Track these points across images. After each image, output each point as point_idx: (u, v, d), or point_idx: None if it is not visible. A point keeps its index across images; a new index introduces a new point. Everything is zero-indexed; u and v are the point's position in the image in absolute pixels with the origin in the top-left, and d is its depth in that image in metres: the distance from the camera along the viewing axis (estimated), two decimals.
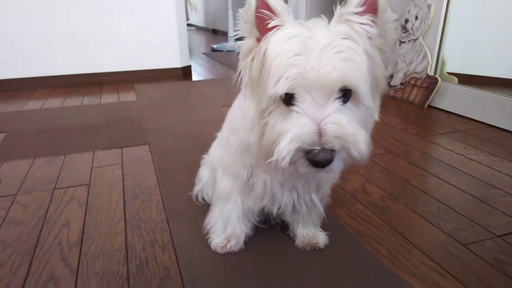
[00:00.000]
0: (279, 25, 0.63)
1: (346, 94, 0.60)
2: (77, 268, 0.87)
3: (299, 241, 0.93)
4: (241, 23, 0.66)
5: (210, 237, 0.93)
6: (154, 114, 2.07)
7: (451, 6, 1.98)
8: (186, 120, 1.94)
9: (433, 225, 1.02)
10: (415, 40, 2.16)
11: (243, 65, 0.68)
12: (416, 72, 2.15)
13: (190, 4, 9.00)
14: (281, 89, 0.58)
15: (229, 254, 0.91)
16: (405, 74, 2.24)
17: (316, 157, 0.58)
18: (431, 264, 0.88)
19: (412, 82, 2.18)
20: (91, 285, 0.82)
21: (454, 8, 1.98)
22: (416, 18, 2.14)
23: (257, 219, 0.95)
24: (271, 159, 0.61)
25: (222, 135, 0.91)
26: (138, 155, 1.51)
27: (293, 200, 0.85)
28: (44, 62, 2.79)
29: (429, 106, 2.10)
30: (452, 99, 1.99)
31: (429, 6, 2.05)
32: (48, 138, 1.72)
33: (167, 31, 3.02)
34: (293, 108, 0.59)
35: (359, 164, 0.61)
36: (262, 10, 0.63)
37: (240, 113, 0.78)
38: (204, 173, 1.08)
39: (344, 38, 0.59)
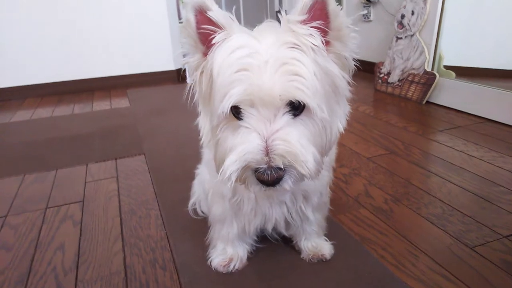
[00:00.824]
0: (224, 38, 0.59)
1: (297, 107, 0.57)
2: None
3: (304, 254, 0.90)
4: (182, 39, 0.64)
5: (210, 257, 0.90)
6: (149, 120, 2.03)
7: (447, 0, 1.94)
8: (183, 126, 1.90)
9: (438, 228, 1.00)
10: (411, 35, 2.13)
11: (192, 79, 0.66)
12: (413, 68, 2.13)
13: (182, 2, 8.92)
14: (226, 106, 0.56)
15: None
16: (402, 70, 2.21)
17: (262, 176, 0.56)
18: (439, 269, 0.85)
19: (410, 79, 2.15)
20: None
21: (450, 1, 1.95)
22: (413, 13, 2.11)
23: (256, 239, 0.92)
24: (218, 178, 0.59)
25: (204, 154, 0.88)
26: (133, 167, 1.47)
27: (284, 215, 0.82)
28: (32, 69, 2.73)
29: (427, 102, 2.08)
30: (450, 94, 1.97)
31: (425, 1, 2.02)
32: (38, 152, 1.68)
33: (159, 32, 2.96)
34: (241, 122, 0.58)
35: (309, 179, 0.59)
36: (204, 26, 0.60)
37: None
38: (197, 187, 1.05)
39: (290, 48, 0.57)
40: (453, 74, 2.02)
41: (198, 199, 1.06)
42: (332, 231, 0.95)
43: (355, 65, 0.65)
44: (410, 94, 2.15)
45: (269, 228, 0.85)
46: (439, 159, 1.40)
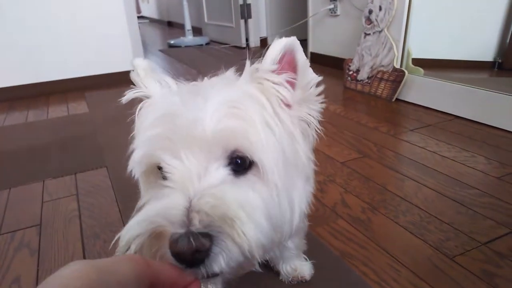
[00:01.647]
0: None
1: (241, 163, 0.44)
2: None
3: (284, 277, 0.85)
4: None
5: None
6: (110, 128, 1.91)
7: None
8: None
9: (417, 237, 0.98)
10: (379, 31, 2.11)
11: None
12: (382, 65, 2.12)
13: None
14: (136, 162, 0.45)
15: None
16: (371, 67, 2.20)
17: (175, 246, 0.37)
18: (421, 284, 0.83)
19: (379, 76, 2.14)
20: None
21: None
22: (380, 8, 2.09)
23: None
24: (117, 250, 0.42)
25: None
26: (95, 182, 1.36)
27: None
28: None
29: (397, 99, 2.08)
30: (419, 91, 1.98)
31: None
32: None
33: (116, 29, 2.78)
34: (164, 182, 0.43)
35: (251, 258, 0.41)
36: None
37: None
38: None
39: (244, 96, 0.46)
40: (422, 70, 2.03)
41: None
42: (311, 247, 0.90)
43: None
44: (380, 92, 2.15)
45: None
46: (412, 161, 1.39)
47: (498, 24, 2.28)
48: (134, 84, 0.57)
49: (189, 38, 4.70)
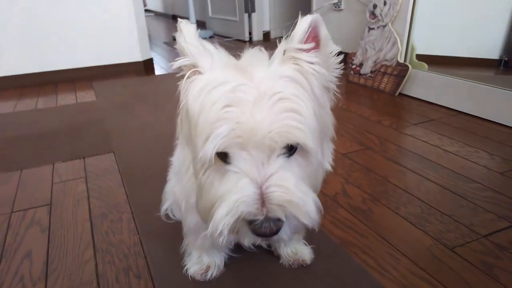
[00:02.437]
0: (197, 72, 0.55)
1: (291, 148, 0.52)
2: None
3: (284, 260, 0.88)
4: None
5: (186, 265, 0.86)
6: (117, 115, 1.94)
7: None
8: (153, 120, 1.83)
9: (418, 228, 1.00)
10: (384, 26, 2.13)
11: (179, 117, 0.61)
12: (386, 60, 2.13)
13: None
14: (211, 150, 0.48)
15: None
16: (375, 62, 2.21)
17: (259, 230, 0.50)
18: (420, 273, 0.85)
19: (382, 70, 2.16)
20: None
21: None
22: (385, 3, 2.10)
23: (231, 248, 0.88)
24: (207, 232, 0.53)
25: (174, 163, 0.82)
26: (103, 166, 1.40)
27: None
28: None
29: (400, 94, 2.09)
30: (423, 86, 1.99)
31: None
32: (1, 151, 1.57)
33: (124, 21, 2.81)
34: (230, 167, 0.51)
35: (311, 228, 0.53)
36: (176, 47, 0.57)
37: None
38: (168, 194, 0.99)
39: (287, 82, 0.51)
40: (426, 65, 2.04)
41: (170, 206, 1.01)
42: (310, 234, 0.92)
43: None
44: (383, 86, 2.16)
45: (246, 243, 0.81)
46: (415, 155, 1.41)
47: (504, 22, 2.28)
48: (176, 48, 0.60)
49: None
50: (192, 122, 0.53)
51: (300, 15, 0.54)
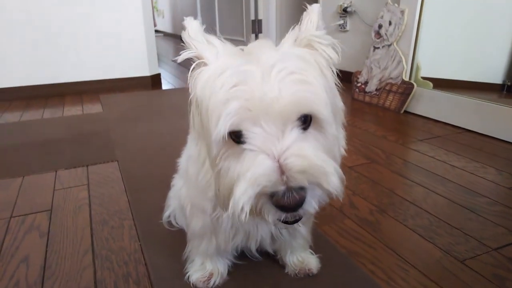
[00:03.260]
0: (203, 64, 0.55)
1: (305, 120, 0.50)
2: None
3: (290, 269, 0.85)
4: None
5: (188, 272, 0.83)
6: (123, 127, 1.94)
7: (424, 11, 1.97)
8: (157, 132, 1.83)
9: (427, 240, 0.97)
10: (389, 45, 2.15)
11: (190, 110, 0.60)
12: (391, 78, 2.14)
13: (157, 10, 8.83)
14: (223, 129, 0.48)
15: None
16: (380, 80, 2.22)
17: (282, 201, 0.47)
18: (430, 285, 0.82)
19: (387, 88, 2.16)
20: None
21: (427, 13, 1.98)
22: (390, 23, 2.12)
23: (235, 254, 0.85)
24: (229, 211, 0.50)
25: (182, 165, 0.81)
26: (106, 174, 1.38)
27: (271, 232, 0.75)
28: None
29: (405, 111, 2.09)
30: (428, 104, 1.99)
31: (402, 12, 2.04)
32: (3, 157, 1.56)
33: (134, 37, 2.87)
34: (245, 146, 0.49)
35: (335, 197, 0.51)
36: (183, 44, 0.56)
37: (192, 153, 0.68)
38: (172, 199, 0.98)
39: (295, 59, 0.51)
40: (431, 84, 2.05)
41: (173, 212, 0.99)
42: (317, 244, 0.90)
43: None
44: (388, 104, 2.16)
45: (253, 247, 0.78)
46: (421, 169, 1.39)
47: (507, 47, 2.30)
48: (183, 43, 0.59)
49: None
50: (202, 110, 0.53)
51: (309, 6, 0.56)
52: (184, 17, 0.60)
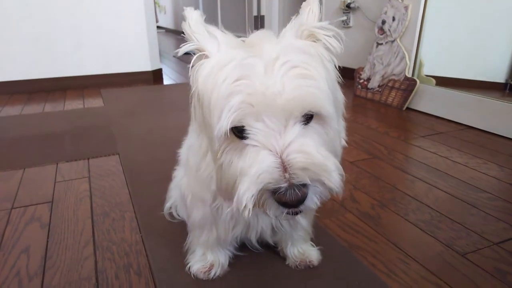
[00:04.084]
0: (205, 56, 0.54)
1: (307, 114, 0.50)
2: None
3: (290, 261, 0.85)
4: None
5: (189, 263, 0.83)
6: (124, 121, 1.94)
7: (428, 7, 1.96)
8: (159, 127, 1.83)
9: (428, 234, 0.97)
10: (392, 41, 2.14)
11: (192, 102, 0.60)
12: (394, 74, 2.13)
13: (159, 5, 8.81)
14: (225, 124, 0.48)
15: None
16: (382, 76, 2.21)
17: (284, 197, 0.47)
18: (431, 277, 0.82)
19: (390, 85, 2.16)
20: None
21: (431, 9, 1.97)
22: (393, 19, 2.12)
23: (236, 245, 0.85)
24: (232, 207, 0.51)
25: (182, 156, 0.81)
26: (107, 167, 1.38)
27: (271, 223, 0.75)
28: (0, 66, 2.58)
29: (407, 108, 2.08)
30: (431, 101, 1.98)
31: (406, 7, 2.03)
32: (5, 150, 1.56)
33: (136, 33, 2.87)
34: (247, 141, 0.50)
35: (335, 194, 0.51)
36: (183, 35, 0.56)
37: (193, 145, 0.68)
38: (173, 191, 0.98)
39: (298, 52, 0.51)
40: (434, 81, 2.04)
41: (174, 203, 0.99)
42: (318, 237, 0.90)
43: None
44: (391, 100, 2.15)
45: (253, 238, 0.78)
46: (423, 165, 1.39)
47: (511, 46, 2.29)
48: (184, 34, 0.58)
49: None
50: (204, 104, 0.52)
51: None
52: (184, 7, 0.59)
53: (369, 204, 1.12)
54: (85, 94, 2.61)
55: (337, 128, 0.54)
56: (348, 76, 2.65)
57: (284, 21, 4.14)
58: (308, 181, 0.47)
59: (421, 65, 2.06)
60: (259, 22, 4.02)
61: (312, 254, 0.85)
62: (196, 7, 0.64)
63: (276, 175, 0.47)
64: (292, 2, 3.99)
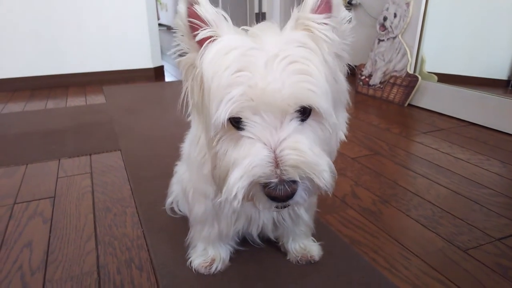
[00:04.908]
0: (213, 37, 0.53)
1: (304, 111, 0.51)
2: None
3: (292, 256, 0.85)
4: (178, 35, 0.57)
5: (190, 257, 0.83)
6: (126, 117, 1.94)
7: (430, 4, 1.96)
8: (160, 123, 1.83)
9: (429, 230, 0.97)
10: (394, 38, 2.13)
11: (186, 86, 0.59)
12: (395, 71, 2.13)
13: (160, 3, 8.80)
14: (223, 114, 0.49)
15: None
16: (384, 72, 2.21)
17: (274, 192, 0.49)
18: (432, 273, 0.82)
19: (391, 81, 2.15)
20: None
21: (433, 5, 1.97)
22: (395, 16, 2.11)
23: (237, 241, 0.86)
24: (222, 197, 0.52)
25: (184, 150, 0.81)
26: (109, 163, 1.38)
27: (273, 218, 0.76)
28: (2, 63, 2.59)
29: (409, 104, 2.08)
30: (433, 97, 1.98)
31: (408, 4, 2.02)
32: (7, 146, 1.56)
33: (137, 29, 2.87)
34: (243, 133, 0.51)
35: (323, 192, 0.53)
36: (193, 20, 0.54)
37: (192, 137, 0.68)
38: (175, 185, 0.98)
39: (298, 47, 0.51)
40: (435, 77, 2.04)
41: (176, 198, 0.99)
42: (319, 233, 0.90)
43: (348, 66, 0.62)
44: (392, 97, 2.15)
45: (255, 232, 0.78)
46: (425, 161, 1.38)
47: None
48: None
49: None
50: (205, 88, 0.53)
51: None
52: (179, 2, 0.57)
53: (371, 200, 1.12)
54: (87, 91, 2.61)
55: (335, 122, 0.55)
56: (349, 72, 2.64)
57: (286, 18, 4.12)
58: (297, 179, 0.49)
59: (422, 61, 2.05)
60: (260, 19, 4.01)
61: (313, 249, 0.85)
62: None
63: (268, 170, 0.48)
64: None
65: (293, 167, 0.48)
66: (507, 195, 1.13)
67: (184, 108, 0.62)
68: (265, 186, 0.49)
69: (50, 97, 2.44)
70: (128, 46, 2.88)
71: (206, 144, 0.58)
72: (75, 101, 2.32)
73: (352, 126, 1.75)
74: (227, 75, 0.49)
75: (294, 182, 0.49)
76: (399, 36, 2.10)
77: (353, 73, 2.58)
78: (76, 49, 2.74)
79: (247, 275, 0.81)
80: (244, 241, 0.87)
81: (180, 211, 1.00)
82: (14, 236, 0.96)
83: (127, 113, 2.01)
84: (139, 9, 2.83)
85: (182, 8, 0.54)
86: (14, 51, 2.59)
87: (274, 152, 0.49)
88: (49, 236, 0.95)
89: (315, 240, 0.88)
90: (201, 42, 0.55)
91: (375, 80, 2.27)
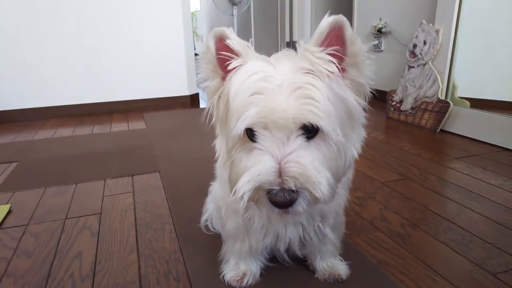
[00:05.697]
0: (240, 64, 0.63)
1: (311, 130, 0.58)
2: None
3: (319, 274, 0.89)
4: (203, 65, 0.67)
5: (223, 271, 0.89)
6: (164, 141, 2.07)
7: (460, 30, 1.98)
8: (196, 147, 1.93)
9: (458, 253, 0.98)
10: (424, 64, 2.16)
11: (210, 103, 0.69)
12: (426, 97, 2.14)
13: (196, 34, 9.20)
14: (241, 127, 0.57)
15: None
16: (415, 98, 2.23)
17: (275, 198, 0.57)
18: None
19: (423, 107, 2.17)
20: None
21: (463, 31, 1.99)
22: (425, 43, 2.15)
23: (267, 256, 0.91)
24: (232, 197, 0.59)
25: (218, 171, 0.88)
26: (149, 183, 1.49)
27: (299, 235, 0.81)
28: (54, 92, 2.84)
29: (441, 130, 2.08)
30: (465, 123, 1.97)
31: (437, 31, 2.06)
32: (59, 167, 1.71)
33: (176, 61, 3.08)
34: (256, 145, 0.59)
35: (323, 203, 0.59)
36: (223, 52, 0.63)
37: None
38: (209, 204, 1.06)
39: (305, 73, 0.58)
40: (468, 103, 2.03)
41: (210, 216, 1.06)
42: (347, 253, 0.93)
43: (371, 92, 0.66)
44: (424, 122, 2.15)
45: (282, 248, 0.83)
46: (456, 186, 1.39)
47: None
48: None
49: None
50: (230, 105, 0.61)
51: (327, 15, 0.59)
52: (224, 27, 0.65)
53: (399, 223, 1.14)
54: (129, 117, 2.79)
55: (341, 140, 0.60)
56: (380, 98, 2.67)
57: None
58: (293, 188, 0.56)
59: (454, 87, 2.06)
60: (291, 48, 4.13)
61: (341, 268, 0.88)
62: None
63: (272, 178, 0.56)
64: None
65: (293, 177, 0.56)
66: None
67: (207, 120, 0.72)
68: (268, 192, 0.57)
69: (96, 123, 2.62)
70: (166, 76, 3.08)
71: (226, 153, 0.67)
72: (119, 127, 2.49)
73: (383, 150, 1.79)
74: (246, 96, 0.58)
75: (293, 191, 0.56)
76: (429, 62, 2.13)
77: (380, 97, 2.60)
78: (119, 79, 2.97)
79: None
80: (273, 258, 0.92)
81: (213, 228, 1.06)
82: (66, 248, 1.06)
83: (166, 138, 2.14)
84: (178, 44, 3.06)
85: (211, 43, 0.64)
86: (64, 81, 2.84)
87: (280, 163, 0.56)
88: (97, 248, 1.05)
89: (342, 260, 0.91)
90: (229, 69, 0.64)
91: (406, 105, 2.29)
